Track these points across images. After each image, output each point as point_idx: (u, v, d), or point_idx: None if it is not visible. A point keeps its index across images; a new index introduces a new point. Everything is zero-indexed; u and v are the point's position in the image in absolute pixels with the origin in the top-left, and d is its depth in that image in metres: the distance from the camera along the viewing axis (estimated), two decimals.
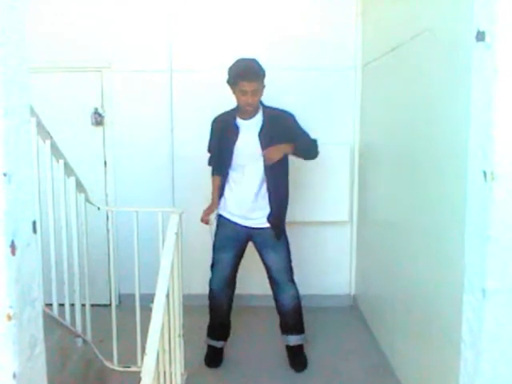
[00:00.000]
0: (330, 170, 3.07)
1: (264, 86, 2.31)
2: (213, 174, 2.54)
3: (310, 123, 3.14)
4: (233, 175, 2.38)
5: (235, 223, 2.40)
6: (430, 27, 1.85)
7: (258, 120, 2.35)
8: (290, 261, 2.44)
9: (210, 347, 2.53)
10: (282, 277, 2.41)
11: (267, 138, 2.30)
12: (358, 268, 3.23)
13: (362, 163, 3.11)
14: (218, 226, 2.47)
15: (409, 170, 2.17)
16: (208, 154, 2.57)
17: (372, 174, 2.90)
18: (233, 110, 2.39)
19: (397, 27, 2.35)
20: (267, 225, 2.37)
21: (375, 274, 2.81)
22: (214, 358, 2.50)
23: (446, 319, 1.69)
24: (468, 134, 1.02)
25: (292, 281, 2.45)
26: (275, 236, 2.38)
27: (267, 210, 2.35)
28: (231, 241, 2.41)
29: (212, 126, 2.48)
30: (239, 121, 2.36)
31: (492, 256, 0.98)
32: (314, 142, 2.44)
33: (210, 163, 2.57)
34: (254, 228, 2.39)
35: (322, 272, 3.25)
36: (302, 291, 3.14)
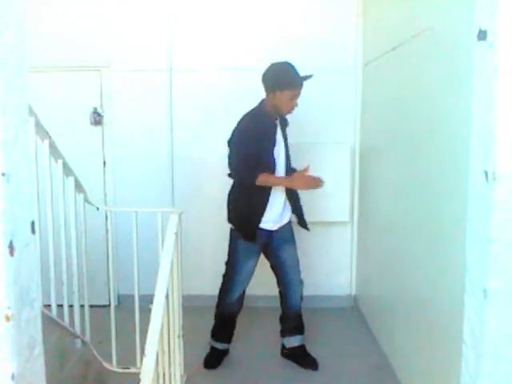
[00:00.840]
0: (331, 170, 3.06)
1: None
2: (257, 177, 2.20)
3: (311, 123, 3.15)
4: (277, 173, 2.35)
5: (266, 230, 2.34)
6: (430, 26, 1.84)
7: (278, 121, 2.38)
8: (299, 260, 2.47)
9: (212, 348, 2.52)
10: (295, 275, 2.42)
11: (285, 136, 2.39)
12: (359, 269, 3.23)
13: (363, 163, 3.11)
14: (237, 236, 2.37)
15: (410, 170, 2.16)
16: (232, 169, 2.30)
17: (373, 174, 2.90)
18: (260, 110, 2.30)
19: (397, 26, 2.35)
20: (288, 220, 2.40)
21: (376, 275, 2.80)
22: (213, 360, 2.49)
23: (446, 320, 1.69)
24: (469, 133, 1.02)
25: (302, 281, 2.48)
26: (302, 225, 2.43)
27: (289, 205, 2.39)
28: (258, 248, 2.37)
29: (251, 129, 2.22)
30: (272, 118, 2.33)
31: (493, 256, 0.98)
32: None
33: (249, 174, 2.21)
34: (278, 228, 2.38)
35: (322, 273, 3.25)
36: (303, 292, 3.15)
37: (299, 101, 3.04)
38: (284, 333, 2.52)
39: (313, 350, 2.58)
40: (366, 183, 3.06)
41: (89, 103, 3.18)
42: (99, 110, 3.19)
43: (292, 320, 2.48)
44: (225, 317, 2.47)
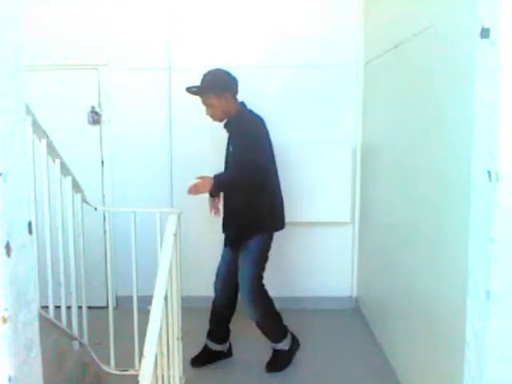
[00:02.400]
0: (332, 169, 3.05)
1: (221, 97, 2.30)
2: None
3: (311, 122, 3.14)
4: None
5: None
6: (432, 24, 1.83)
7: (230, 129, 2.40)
8: (251, 275, 2.35)
9: (204, 347, 2.52)
10: (241, 293, 2.38)
11: (229, 146, 2.40)
12: (360, 270, 3.21)
13: (364, 163, 3.10)
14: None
15: (411, 169, 2.15)
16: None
17: (374, 174, 2.88)
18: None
19: (399, 24, 2.33)
20: (229, 230, 2.47)
21: (377, 276, 2.79)
22: (201, 359, 2.48)
23: (448, 322, 1.68)
24: (472, 132, 1.01)
25: (252, 300, 2.35)
26: (244, 243, 2.36)
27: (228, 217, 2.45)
28: (225, 247, 2.52)
29: (261, 130, 2.33)
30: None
31: (496, 258, 0.97)
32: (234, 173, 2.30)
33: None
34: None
35: (323, 274, 3.23)
36: (303, 293, 3.15)
37: (300, 99, 3.07)
38: None
39: (313, 352, 2.57)
40: (367, 183, 3.05)
41: (87, 102, 3.16)
42: (97, 109, 3.17)
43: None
44: (215, 311, 2.47)
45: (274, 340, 2.47)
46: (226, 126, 2.38)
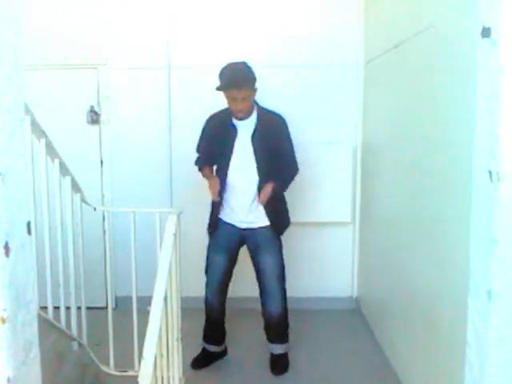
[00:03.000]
0: (332, 169, 3.05)
1: (255, 89, 2.29)
2: (201, 166, 2.45)
3: (312, 121, 3.14)
4: (232, 177, 2.33)
5: (232, 225, 2.38)
6: (433, 24, 1.83)
7: (251, 121, 2.34)
8: (283, 267, 2.40)
9: (202, 349, 2.51)
10: (272, 282, 2.37)
11: (258, 141, 2.31)
12: (361, 270, 3.20)
13: (365, 163, 3.09)
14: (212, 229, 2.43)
15: (412, 169, 2.14)
16: (196, 155, 2.50)
17: (375, 174, 2.88)
18: (228, 109, 2.35)
19: (400, 24, 2.32)
20: (263, 224, 2.35)
21: (378, 276, 2.78)
22: (200, 361, 2.47)
23: (449, 322, 1.68)
24: (473, 132, 1.01)
25: (283, 289, 2.41)
26: (273, 235, 2.36)
27: (263, 210, 2.33)
28: (226, 243, 2.39)
29: (207, 124, 2.42)
30: (235, 121, 2.34)
31: (497, 258, 0.97)
32: (294, 166, 2.42)
33: (198, 163, 2.48)
34: (249, 229, 2.37)
35: (323, 274, 3.23)
36: (303, 293, 3.13)
37: (300, 99, 3.06)
38: (268, 340, 2.49)
39: (313, 352, 2.57)
40: (367, 183, 3.04)
41: (86, 101, 3.14)
42: (96, 109, 3.16)
43: (271, 328, 2.44)
44: (208, 315, 2.46)
45: (284, 338, 2.45)
46: (244, 118, 2.31)
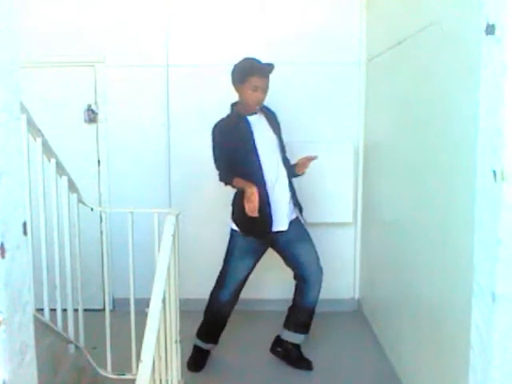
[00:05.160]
0: (334, 169, 3.03)
1: None
2: (229, 180, 2.29)
3: (313, 120, 3.12)
4: (267, 174, 2.26)
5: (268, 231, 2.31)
6: (437, 20, 1.82)
7: (260, 115, 2.35)
8: (318, 255, 2.45)
9: (197, 349, 2.48)
10: (312, 270, 2.39)
11: (275, 131, 2.35)
12: (363, 271, 3.18)
13: (367, 162, 3.07)
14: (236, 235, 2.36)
15: (415, 169, 2.13)
16: (216, 170, 2.37)
17: (377, 174, 2.87)
18: (232, 113, 2.35)
19: (403, 20, 2.31)
20: (295, 215, 2.38)
21: (380, 278, 2.77)
22: (199, 362, 2.45)
23: (454, 325, 1.66)
24: (477, 131, 1.00)
25: (319, 283, 2.44)
26: (302, 223, 2.40)
27: (291, 203, 2.36)
28: (257, 245, 2.35)
29: (218, 132, 2.29)
30: (248, 117, 2.32)
31: (502, 259, 0.96)
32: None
33: (225, 178, 2.31)
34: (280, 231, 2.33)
35: (324, 275, 3.19)
36: None
37: (301, 97, 3.05)
38: (288, 325, 2.47)
39: (315, 355, 2.55)
40: (369, 183, 3.03)
41: (83, 100, 3.12)
42: (93, 107, 3.14)
43: (301, 315, 2.44)
44: (215, 316, 2.44)
45: (308, 329, 2.47)
46: (254, 113, 2.33)
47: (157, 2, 3.09)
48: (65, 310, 2.00)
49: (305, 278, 2.41)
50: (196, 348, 2.49)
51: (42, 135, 1.85)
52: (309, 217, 3.02)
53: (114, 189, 3.18)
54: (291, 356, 2.49)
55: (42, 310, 1.85)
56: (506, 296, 0.96)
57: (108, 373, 2.18)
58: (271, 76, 2.29)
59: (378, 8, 2.83)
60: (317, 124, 3.10)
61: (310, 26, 3.05)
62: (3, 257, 0.67)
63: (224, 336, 2.52)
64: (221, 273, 2.42)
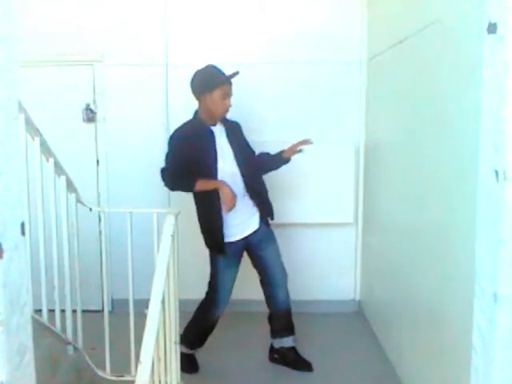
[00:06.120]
0: (334, 169, 3.02)
1: None
2: (190, 185, 2.30)
3: (313, 120, 3.11)
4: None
5: (237, 241, 2.34)
6: (438, 19, 1.81)
7: (220, 126, 2.35)
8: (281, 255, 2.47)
9: (186, 356, 2.40)
10: (278, 271, 2.41)
11: (234, 141, 2.34)
12: (364, 272, 3.18)
13: (368, 162, 3.07)
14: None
15: (417, 169, 2.13)
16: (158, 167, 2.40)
17: (378, 174, 2.86)
18: (194, 119, 2.34)
19: (404, 19, 2.30)
20: (259, 223, 2.37)
21: (381, 279, 2.77)
22: (190, 364, 2.43)
23: (455, 326, 1.66)
24: (479, 130, 0.99)
25: (287, 288, 2.46)
26: (266, 225, 2.39)
27: (255, 208, 2.35)
28: (235, 257, 2.37)
29: (178, 138, 2.29)
30: (211, 126, 2.32)
31: (504, 260, 0.96)
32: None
33: (167, 177, 2.35)
34: (250, 234, 2.36)
35: (325, 276, 3.21)
36: (305, 296, 3.11)
37: (301, 96, 3.04)
38: (274, 334, 2.50)
39: (314, 357, 2.54)
40: (370, 183, 3.02)
41: (81, 99, 3.11)
42: (92, 107, 3.13)
43: (280, 320, 2.46)
44: (208, 329, 2.44)
45: (293, 329, 2.48)
46: (215, 124, 2.33)
47: (156, 1, 3.08)
48: (63, 311, 2.00)
49: (271, 282, 2.42)
50: (183, 354, 2.47)
51: (40, 134, 1.84)
52: (309, 217, 3.02)
53: (113, 188, 3.17)
54: (289, 359, 2.49)
55: (40, 310, 1.84)
56: (507, 296, 0.96)
57: (107, 374, 2.17)
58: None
59: (379, 7, 2.82)
60: (317, 124, 3.09)
61: (311, 25, 3.04)
62: (1, 257, 0.66)
63: (221, 338, 2.52)
64: (211, 289, 2.40)
